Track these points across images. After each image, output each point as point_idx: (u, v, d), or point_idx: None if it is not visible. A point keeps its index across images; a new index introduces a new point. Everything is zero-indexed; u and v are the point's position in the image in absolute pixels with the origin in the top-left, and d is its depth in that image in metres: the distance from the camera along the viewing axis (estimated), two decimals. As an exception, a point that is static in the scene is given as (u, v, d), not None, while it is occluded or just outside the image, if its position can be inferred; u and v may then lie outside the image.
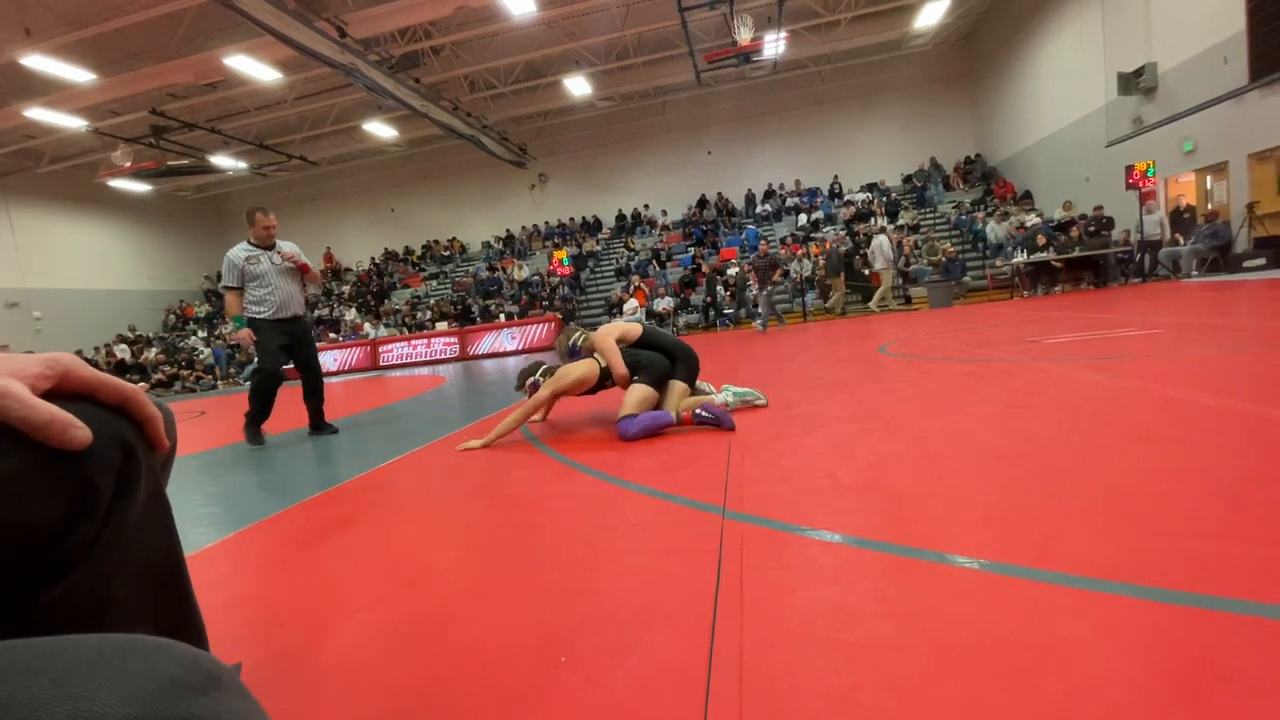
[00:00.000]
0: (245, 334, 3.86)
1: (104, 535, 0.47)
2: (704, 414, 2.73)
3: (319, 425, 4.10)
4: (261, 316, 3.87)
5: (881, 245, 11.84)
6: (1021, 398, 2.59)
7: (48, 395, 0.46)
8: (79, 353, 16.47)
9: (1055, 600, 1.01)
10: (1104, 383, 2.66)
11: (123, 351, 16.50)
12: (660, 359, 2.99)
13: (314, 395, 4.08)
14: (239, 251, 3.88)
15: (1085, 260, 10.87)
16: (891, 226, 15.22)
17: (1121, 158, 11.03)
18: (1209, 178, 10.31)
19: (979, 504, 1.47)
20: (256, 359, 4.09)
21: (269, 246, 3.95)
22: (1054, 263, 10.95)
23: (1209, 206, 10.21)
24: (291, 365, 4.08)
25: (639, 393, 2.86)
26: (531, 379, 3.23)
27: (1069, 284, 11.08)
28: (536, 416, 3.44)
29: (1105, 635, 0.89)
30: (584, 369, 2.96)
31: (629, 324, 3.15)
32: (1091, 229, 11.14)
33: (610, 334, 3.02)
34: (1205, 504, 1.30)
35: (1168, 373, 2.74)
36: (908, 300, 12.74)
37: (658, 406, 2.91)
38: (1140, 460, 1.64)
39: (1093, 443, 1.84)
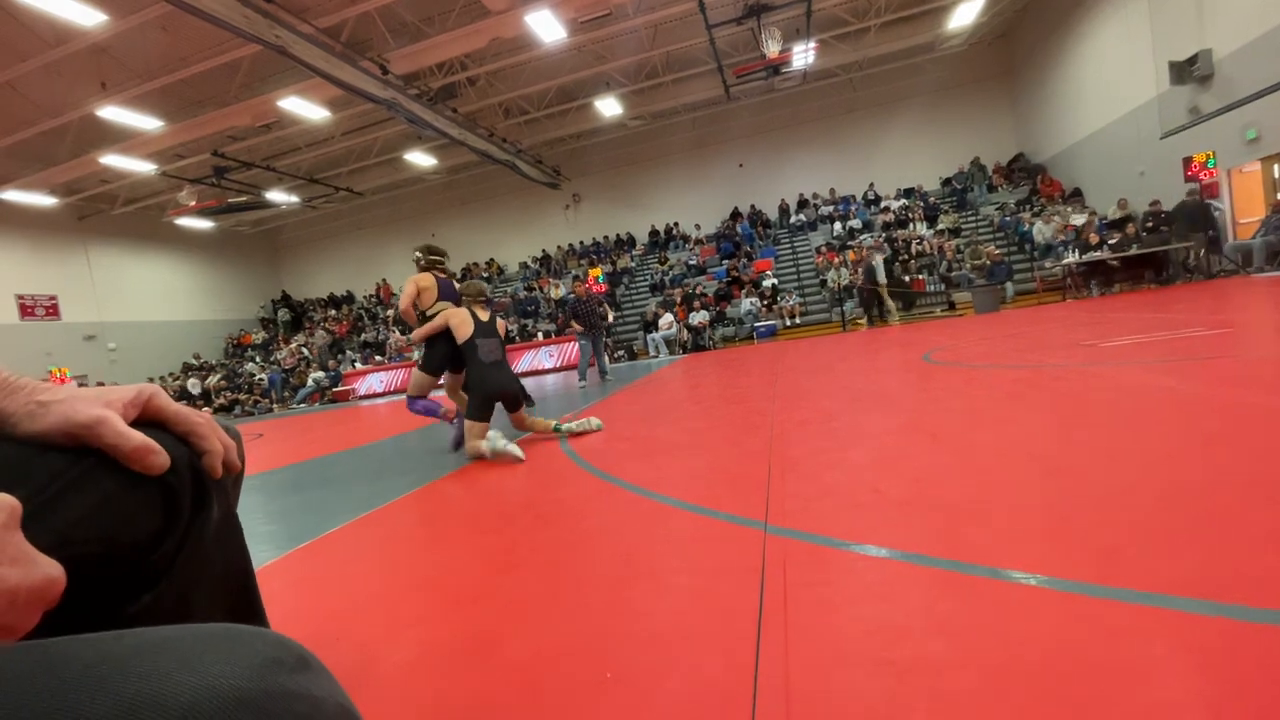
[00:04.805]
0: None
1: (184, 550, 0.52)
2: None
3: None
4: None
5: (874, 265, 11.34)
6: (1077, 405, 2.48)
7: (133, 423, 0.51)
8: (161, 381, 17.53)
9: (1120, 618, 0.96)
10: (1169, 386, 2.52)
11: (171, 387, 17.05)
12: (440, 359, 3.64)
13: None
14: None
15: (1145, 258, 10.33)
16: (931, 231, 14.84)
17: (1178, 149, 10.48)
18: (1276, 166, 9.69)
19: (1034, 516, 1.41)
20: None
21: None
22: (1110, 261, 10.43)
23: (1278, 196, 9.59)
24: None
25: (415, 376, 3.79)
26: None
27: (1127, 283, 10.54)
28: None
29: (1176, 655, 0.85)
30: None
31: (464, 321, 3.52)
32: (1150, 225, 10.60)
33: (450, 316, 3.54)
34: (1285, 515, 1.22)
35: (1239, 375, 2.58)
36: (951, 306, 12.37)
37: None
38: (1211, 468, 1.55)
39: (1158, 450, 1.75)
